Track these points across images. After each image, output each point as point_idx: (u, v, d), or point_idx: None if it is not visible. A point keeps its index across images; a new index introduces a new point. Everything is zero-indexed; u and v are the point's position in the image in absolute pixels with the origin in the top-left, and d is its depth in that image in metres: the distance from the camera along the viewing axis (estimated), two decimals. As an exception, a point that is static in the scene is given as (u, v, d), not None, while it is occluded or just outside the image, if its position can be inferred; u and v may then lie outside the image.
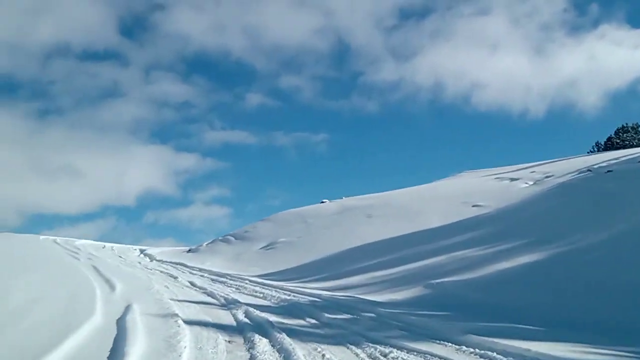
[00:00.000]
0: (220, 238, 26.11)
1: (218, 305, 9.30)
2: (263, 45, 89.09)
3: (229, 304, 9.33)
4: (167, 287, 11.44)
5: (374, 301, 10.39)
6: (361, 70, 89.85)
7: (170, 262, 20.40)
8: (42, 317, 6.79)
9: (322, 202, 29.11)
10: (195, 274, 15.95)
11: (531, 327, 7.33)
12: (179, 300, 9.40)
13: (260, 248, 21.85)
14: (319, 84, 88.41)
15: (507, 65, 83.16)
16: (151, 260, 21.83)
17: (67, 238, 26.28)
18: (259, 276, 16.21)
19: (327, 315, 8.40)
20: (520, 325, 7.40)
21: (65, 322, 6.37)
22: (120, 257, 20.51)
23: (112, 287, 10.34)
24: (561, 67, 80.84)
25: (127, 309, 7.72)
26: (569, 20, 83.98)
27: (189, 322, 7.08)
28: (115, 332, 6.08)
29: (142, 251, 26.03)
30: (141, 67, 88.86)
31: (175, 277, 14.04)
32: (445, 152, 79.13)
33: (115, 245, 28.65)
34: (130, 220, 74.90)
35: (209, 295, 10.68)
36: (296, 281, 14.69)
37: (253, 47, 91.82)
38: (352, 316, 8.50)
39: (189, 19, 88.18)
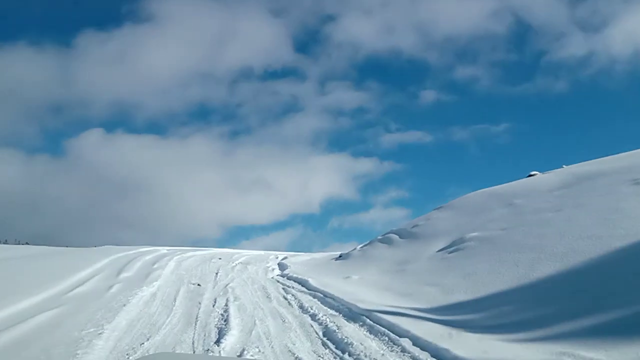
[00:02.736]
0: (379, 238, 17.97)
1: None
2: (434, 39, 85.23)
3: None
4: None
5: None
6: (544, 49, 78.69)
7: (295, 278, 12.95)
8: None
9: (530, 175, 19.17)
10: (305, 310, 8.08)
11: None
12: None
13: (438, 251, 13.20)
14: (497, 70, 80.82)
15: None
16: (281, 272, 14.74)
17: (179, 247, 20.93)
18: (436, 312, 7.70)
19: None
20: None
21: None
22: (215, 274, 13.72)
23: None
24: None
25: None
26: None
27: None
28: None
29: (282, 259, 19.30)
30: (316, 80, 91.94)
31: (220, 341, 6.28)
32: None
33: (257, 253, 22.46)
34: (317, 226, 75.66)
35: None
36: (523, 335, 5.87)
37: (424, 43, 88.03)
38: None
39: (358, 25, 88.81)
